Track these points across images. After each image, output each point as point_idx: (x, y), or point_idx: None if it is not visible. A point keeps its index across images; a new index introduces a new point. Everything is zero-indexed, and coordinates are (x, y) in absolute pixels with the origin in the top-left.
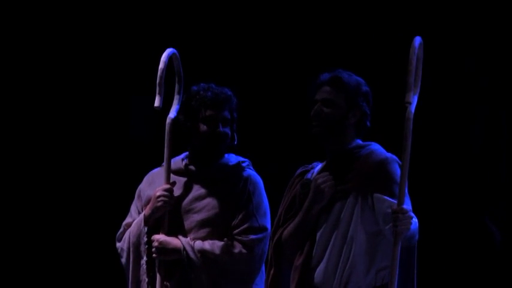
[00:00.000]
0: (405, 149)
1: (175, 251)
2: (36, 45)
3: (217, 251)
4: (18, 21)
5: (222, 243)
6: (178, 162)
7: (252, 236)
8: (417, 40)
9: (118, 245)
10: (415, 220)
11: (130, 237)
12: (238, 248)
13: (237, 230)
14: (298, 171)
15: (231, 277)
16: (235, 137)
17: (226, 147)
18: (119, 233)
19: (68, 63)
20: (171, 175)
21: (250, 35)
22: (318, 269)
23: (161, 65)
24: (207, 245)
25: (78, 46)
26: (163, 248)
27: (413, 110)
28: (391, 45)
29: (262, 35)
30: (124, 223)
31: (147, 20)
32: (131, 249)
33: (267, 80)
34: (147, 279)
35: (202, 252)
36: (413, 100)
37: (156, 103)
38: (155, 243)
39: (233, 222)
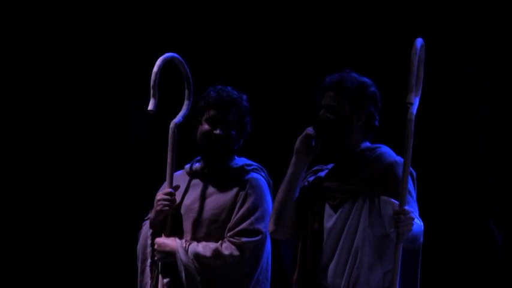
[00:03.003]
0: (406, 150)
1: (172, 253)
2: (37, 48)
3: (208, 254)
4: (19, 24)
5: (215, 246)
6: (191, 164)
7: (244, 239)
8: (419, 41)
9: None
10: (419, 223)
11: (140, 239)
12: (229, 250)
13: (230, 232)
14: (314, 168)
15: (224, 281)
16: (240, 141)
17: (226, 150)
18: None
19: (69, 67)
20: (182, 176)
21: (256, 41)
22: (326, 270)
23: (155, 69)
24: (200, 247)
25: (80, 50)
26: (161, 251)
27: (414, 111)
28: (393, 46)
29: (266, 41)
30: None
31: (149, 24)
32: (140, 251)
33: (274, 84)
34: (150, 281)
35: (196, 255)
36: (415, 101)
37: (150, 106)
38: (156, 246)
39: (229, 224)
